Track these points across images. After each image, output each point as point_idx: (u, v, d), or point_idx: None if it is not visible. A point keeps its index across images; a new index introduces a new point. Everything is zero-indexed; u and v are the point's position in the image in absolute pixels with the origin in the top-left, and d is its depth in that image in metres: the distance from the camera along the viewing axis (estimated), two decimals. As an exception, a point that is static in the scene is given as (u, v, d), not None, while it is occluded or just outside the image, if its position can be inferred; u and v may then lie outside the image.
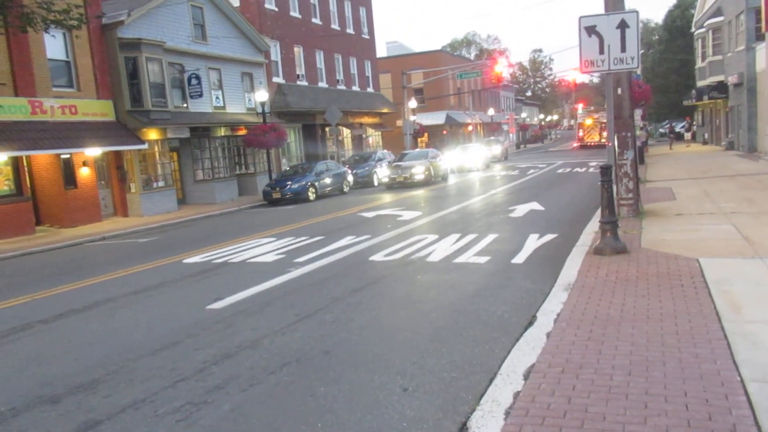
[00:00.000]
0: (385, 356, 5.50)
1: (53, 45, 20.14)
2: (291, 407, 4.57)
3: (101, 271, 11.51)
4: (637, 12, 9.00)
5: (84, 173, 21.20)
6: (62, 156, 20.15)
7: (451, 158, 35.09)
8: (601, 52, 9.21)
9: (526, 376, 4.56)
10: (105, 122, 21.91)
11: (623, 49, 9.12)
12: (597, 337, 5.24)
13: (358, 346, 5.85)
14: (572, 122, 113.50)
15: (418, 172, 25.94)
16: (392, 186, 26.39)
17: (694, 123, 48.87)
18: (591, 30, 9.18)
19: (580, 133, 53.03)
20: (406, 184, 25.89)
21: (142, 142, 22.52)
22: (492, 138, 55.12)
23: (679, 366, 4.47)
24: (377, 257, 10.32)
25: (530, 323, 5.93)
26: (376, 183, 29.39)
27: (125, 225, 20.20)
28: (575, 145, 54.28)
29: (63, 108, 20.31)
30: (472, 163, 35.07)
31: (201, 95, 25.83)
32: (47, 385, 5.49)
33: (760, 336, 4.89)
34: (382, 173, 27.76)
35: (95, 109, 21.69)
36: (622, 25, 9.07)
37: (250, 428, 4.30)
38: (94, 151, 20.93)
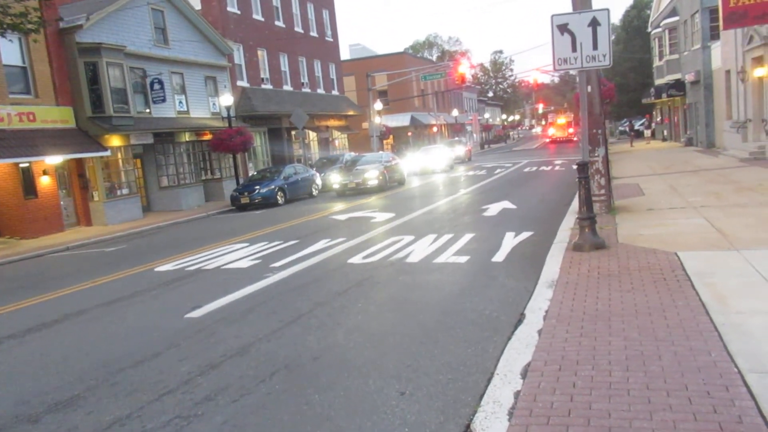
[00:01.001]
0: (376, 360, 5.40)
1: (9, 50, 19.44)
2: (286, 416, 4.43)
3: (68, 282, 11.12)
4: (608, 10, 9.08)
5: (44, 182, 20.53)
6: (21, 165, 19.46)
7: (414, 160, 34.80)
8: (574, 49, 9.26)
9: (523, 375, 4.52)
10: (65, 129, 21.26)
11: (595, 46, 9.19)
12: (589, 333, 5.23)
13: (347, 351, 5.73)
14: (533, 122, 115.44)
15: (372, 177, 24.33)
16: (344, 193, 24.73)
17: (654, 121, 50.05)
18: (563, 28, 9.22)
19: (552, 130, 57.99)
20: (359, 191, 24.38)
21: (105, 148, 21.93)
22: (455, 139, 54.35)
23: (675, 359, 4.48)
24: (356, 260, 10.21)
25: (520, 321, 5.90)
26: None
27: (89, 234, 19.62)
28: (548, 140, 58.29)
29: (20, 115, 19.62)
30: (435, 164, 34.46)
31: (164, 100, 25.29)
32: (24, 403, 5.23)
33: (750, 326, 4.95)
34: (333, 179, 25.54)
35: (54, 115, 21.03)
36: (594, 23, 9.13)
37: (246, 440, 4.15)
38: (54, 159, 20.28)
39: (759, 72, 21.10)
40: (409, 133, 57.12)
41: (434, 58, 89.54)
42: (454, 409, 4.30)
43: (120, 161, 23.61)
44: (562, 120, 61.46)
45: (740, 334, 4.80)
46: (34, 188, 20.16)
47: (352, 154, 34.81)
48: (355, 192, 24.46)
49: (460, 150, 45.02)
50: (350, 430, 4.12)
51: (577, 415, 3.79)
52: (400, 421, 4.17)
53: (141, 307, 8.49)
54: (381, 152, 31.35)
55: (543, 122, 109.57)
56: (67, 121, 21.47)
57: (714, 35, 28.43)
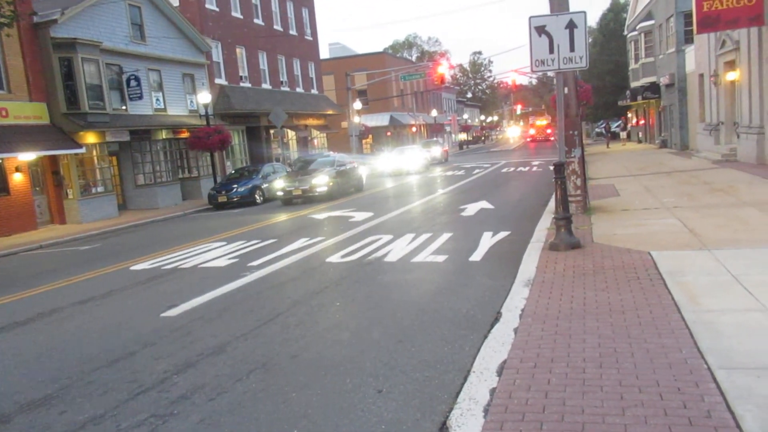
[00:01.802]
0: (354, 358, 5.41)
1: (-20, 44, 19.09)
2: (263, 415, 4.43)
3: (41, 281, 10.95)
4: (584, 12, 9.20)
5: (17, 179, 20.18)
6: (-7, 161, 19.13)
7: (387, 162, 34.30)
8: (551, 51, 9.36)
9: (499, 373, 4.57)
10: (39, 125, 20.91)
11: (572, 48, 9.30)
12: (564, 331, 5.30)
13: (325, 350, 5.74)
14: (510, 122, 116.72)
15: (321, 183, 21.44)
16: (289, 200, 21.80)
17: (630, 122, 50.74)
18: (541, 30, 9.32)
19: (532, 131, 65.75)
20: (307, 198, 21.64)
21: (80, 146, 21.61)
22: (432, 139, 53.46)
23: (647, 356, 4.57)
24: (334, 258, 10.21)
25: (496, 319, 5.96)
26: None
27: (63, 232, 19.32)
28: (529, 139, 72.00)
29: (-8, 111, 19.25)
30: (409, 166, 33.57)
31: (141, 97, 25.01)
32: (-5, 403, 5.15)
33: (720, 325, 5.05)
34: (277, 185, 22.52)
35: (28, 111, 20.67)
36: (571, 26, 9.24)
37: (222, 439, 4.14)
38: (27, 156, 19.95)
39: (731, 76, 21.51)
40: (389, 133, 57.18)
41: (414, 59, 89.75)
42: (431, 406, 4.33)
43: (95, 159, 23.30)
44: (541, 122, 71.16)
45: (710, 332, 4.91)
46: (6, 185, 19.81)
47: (332, 153, 34.75)
48: (304, 200, 21.86)
49: (437, 151, 44.41)
50: (327, 428, 4.13)
51: (551, 412, 3.84)
52: (377, 419, 4.19)
53: (116, 306, 8.39)
54: (335, 154, 27.08)
55: (521, 123, 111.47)
56: (40, 118, 21.13)
57: (688, 39, 28.93)
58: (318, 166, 23.37)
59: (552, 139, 53.92)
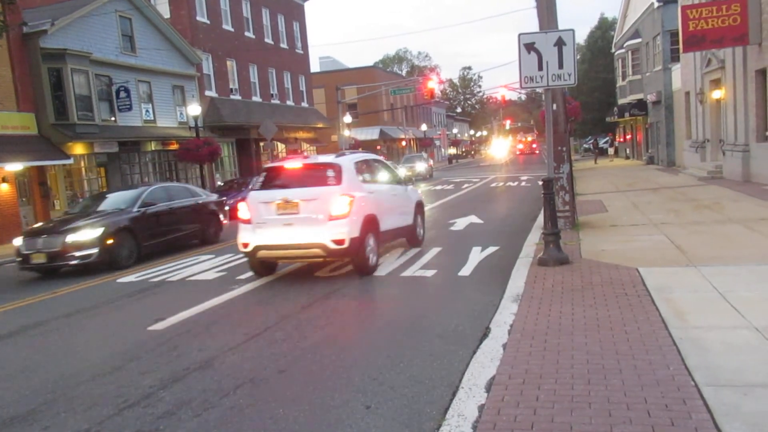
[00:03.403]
0: (343, 374, 5.39)
1: (-31, 54, 18.99)
2: (251, 431, 4.38)
3: (26, 293, 10.82)
4: (573, 30, 9.32)
5: (3, 189, 19.99)
6: (-21, 171, 18.96)
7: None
8: (540, 68, 9.45)
9: (488, 389, 4.56)
10: (26, 136, 20.77)
11: (561, 65, 9.39)
12: (552, 347, 5.31)
13: (313, 365, 5.71)
14: (500, 137, 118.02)
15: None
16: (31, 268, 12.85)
17: (617, 139, 51.23)
18: (530, 47, 9.41)
19: (521, 146, 71.09)
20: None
21: (67, 156, 21.48)
22: (415, 154, 49.12)
23: (635, 373, 4.58)
24: (322, 273, 10.18)
25: (485, 335, 5.96)
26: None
27: (49, 244, 19.09)
28: (518, 152, 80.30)
29: (-20, 121, 19.12)
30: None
31: (130, 108, 24.94)
32: (-23, 418, 5.06)
33: (707, 341, 5.08)
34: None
35: (15, 122, 20.53)
36: (560, 43, 9.34)
37: (208, 455, 4.09)
38: (14, 166, 19.77)
39: (716, 94, 21.82)
40: (378, 147, 57.35)
41: (404, 73, 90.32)
42: (419, 422, 4.31)
43: (83, 169, 23.17)
44: (528, 138, 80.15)
45: (698, 349, 4.93)
46: (-8, 196, 19.62)
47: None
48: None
49: (421, 166, 42.17)
50: (315, 445, 4.10)
51: (540, 428, 3.84)
52: (365, 435, 4.17)
53: (102, 319, 8.31)
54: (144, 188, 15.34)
55: (510, 138, 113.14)
56: (28, 128, 20.99)
57: (675, 57, 29.34)
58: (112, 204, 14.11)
59: (537, 152, 55.96)
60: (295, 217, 9.38)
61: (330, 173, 9.81)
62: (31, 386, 5.73)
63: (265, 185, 10.13)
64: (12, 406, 5.25)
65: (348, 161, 10.25)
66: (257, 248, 9.57)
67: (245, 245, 9.68)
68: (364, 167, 10.80)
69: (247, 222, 9.72)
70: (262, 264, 10.10)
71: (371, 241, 9.78)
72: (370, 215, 9.81)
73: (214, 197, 17.09)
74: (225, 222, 16.66)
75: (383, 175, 11.61)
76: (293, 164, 10.34)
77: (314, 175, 9.95)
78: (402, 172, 37.36)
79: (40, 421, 4.87)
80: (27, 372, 6.21)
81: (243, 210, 9.87)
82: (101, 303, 9.37)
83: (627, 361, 4.81)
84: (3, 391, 5.68)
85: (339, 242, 9.15)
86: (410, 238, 12.02)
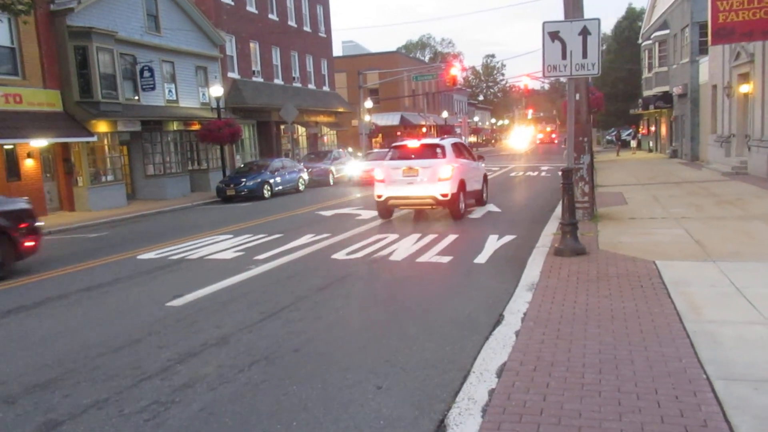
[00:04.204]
0: (356, 354, 5.46)
1: (-3, 30, 19.26)
2: (264, 406, 4.48)
3: (49, 267, 11.05)
4: (598, 20, 9.21)
5: (28, 165, 20.34)
6: (5, 146, 19.27)
7: (355, 169, 28.82)
8: (564, 57, 9.37)
9: (499, 374, 4.60)
10: (52, 113, 21.07)
11: (585, 55, 9.31)
12: (565, 336, 5.33)
13: (327, 345, 5.79)
14: (522, 126, 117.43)
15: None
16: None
17: (640, 131, 50.57)
18: (554, 35, 9.33)
19: (541, 135, 72.56)
20: None
21: (91, 134, 21.77)
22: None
23: (647, 364, 4.59)
24: (339, 255, 10.26)
25: (498, 322, 5.99)
26: (331, 182, 29.12)
27: (72, 219, 19.47)
28: (538, 141, 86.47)
29: (7, 96, 19.40)
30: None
31: (153, 88, 25.14)
32: (1, 384, 5.22)
33: (721, 336, 5.07)
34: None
35: (41, 98, 20.83)
36: (584, 32, 9.25)
37: (222, 427, 4.19)
38: (39, 142, 20.10)
39: (744, 88, 21.42)
40: (398, 133, 57.21)
41: (426, 59, 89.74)
42: (429, 404, 4.37)
43: (106, 147, 23.43)
44: (548, 129, 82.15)
45: (711, 343, 4.93)
46: (17, 170, 19.97)
47: (341, 150, 34.76)
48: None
49: None
50: (327, 422, 4.18)
51: (548, 414, 3.87)
52: (376, 414, 4.24)
53: (122, 294, 8.48)
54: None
55: (532, 127, 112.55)
56: (54, 105, 21.28)
57: (703, 50, 28.83)
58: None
59: (555, 141, 57.33)
60: (415, 179, 13.80)
61: (438, 150, 14.36)
62: (52, 356, 5.89)
63: (394, 157, 14.65)
64: (34, 374, 5.41)
65: (448, 142, 14.66)
66: (388, 198, 14.09)
67: (380, 196, 14.22)
68: (457, 147, 14.96)
69: (382, 181, 14.17)
70: (388, 210, 14.61)
71: (461, 197, 14.16)
72: (461, 179, 14.17)
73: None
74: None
75: (466, 154, 15.75)
76: (413, 143, 14.97)
77: (428, 151, 14.46)
78: None
79: (61, 389, 5.01)
80: (49, 342, 6.38)
81: (379, 173, 14.34)
82: (122, 278, 9.55)
83: (639, 353, 4.82)
84: (25, 359, 5.84)
85: (444, 195, 13.54)
86: (478, 199, 16.08)
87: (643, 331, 5.32)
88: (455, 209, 13.81)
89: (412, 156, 14.28)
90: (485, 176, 16.80)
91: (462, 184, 14.12)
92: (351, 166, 30.05)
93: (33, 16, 19.65)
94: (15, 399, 4.87)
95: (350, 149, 40.08)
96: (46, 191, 21.32)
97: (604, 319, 5.73)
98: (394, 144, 16.41)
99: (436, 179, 13.55)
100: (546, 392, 4.21)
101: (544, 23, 9.34)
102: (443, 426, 3.95)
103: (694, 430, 3.56)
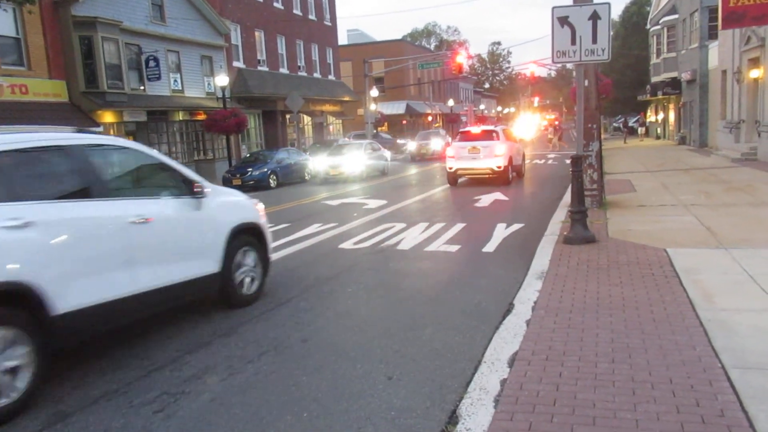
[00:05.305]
0: (365, 345, 5.43)
1: (3, 21, 19.16)
2: (274, 396, 4.45)
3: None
4: (609, 4, 9.06)
5: (35, 156, 20.35)
6: (12, 137, 19.29)
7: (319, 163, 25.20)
8: (573, 42, 9.25)
9: (510, 364, 4.56)
10: (57, 103, 21.07)
11: (594, 40, 9.18)
12: (576, 325, 5.28)
13: (336, 335, 5.76)
14: (527, 114, 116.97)
15: None
16: None
17: (648, 118, 50.19)
18: (563, 20, 9.20)
19: (545, 122, 73.18)
20: None
21: (97, 124, 21.74)
22: (432, 131, 43.51)
23: (660, 353, 4.53)
24: (346, 245, 10.22)
25: (508, 311, 5.94)
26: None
27: (79, 210, 19.47)
28: (543, 129, 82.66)
29: (12, 87, 19.41)
30: (349, 169, 24.06)
31: (159, 78, 25.09)
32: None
33: (734, 324, 5.00)
34: None
35: (47, 89, 20.82)
36: (594, 17, 9.11)
37: (232, 418, 4.17)
38: (45, 133, 20.10)
39: (754, 73, 21.17)
40: (404, 122, 57.00)
41: (432, 47, 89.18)
42: (441, 395, 4.33)
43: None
44: (551, 116, 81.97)
45: (725, 331, 4.86)
46: (24, 162, 19.99)
47: (346, 139, 34.64)
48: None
49: (438, 144, 36.03)
50: (337, 412, 4.15)
51: (562, 405, 3.83)
52: (387, 405, 4.20)
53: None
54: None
55: (538, 115, 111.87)
56: (59, 95, 21.27)
57: (712, 35, 28.48)
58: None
59: (561, 128, 58.88)
60: (478, 155, 18.57)
61: (494, 134, 19.10)
62: (61, 347, 5.86)
63: (461, 139, 19.62)
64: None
65: (500, 129, 20.08)
66: (457, 169, 18.98)
67: (450, 168, 19.11)
68: (505, 132, 20.17)
69: (452, 157, 19.07)
70: (455, 178, 19.40)
71: (510, 169, 18.87)
72: (510, 156, 18.92)
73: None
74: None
75: (512, 137, 21.14)
76: (475, 130, 20.19)
77: (486, 134, 19.24)
78: (413, 146, 37.05)
79: (70, 380, 4.99)
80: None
81: (450, 151, 19.53)
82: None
83: (652, 341, 4.76)
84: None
85: (498, 167, 18.29)
86: (518, 172, 20.61)
87: (655, 319, 5.26)
88: (505, 177, 18.40)
89: (475, 138, 18.91)
90: (523, 155, 21.87)
91: (510, 160, 18.77)
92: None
93: (38, 5, 19.58)
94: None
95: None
96: (53, 182, 21.34)
97: (615, 307, 5.67)
98: (461, 130, 21.43)
99: (493, 155, 18.28)
100: (559, 382, 4.16)
101: (553, 8, 9.21)
102: (455, 416, 3.91)
103: (710, 420, 3.51)
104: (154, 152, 6.34)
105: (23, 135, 5.06)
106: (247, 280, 6.85)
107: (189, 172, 6.37)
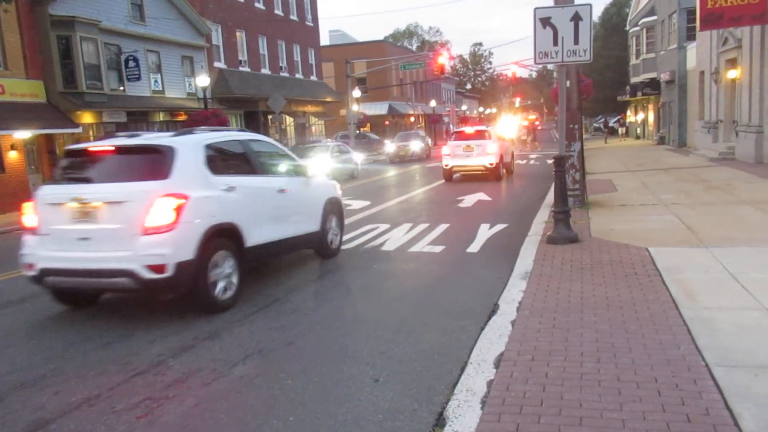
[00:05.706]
0: (351, 347, 5.40)
1: (-22, 20, 18.87)
2: (259, 401, 4.41)
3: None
4: (590, 5, 9.12)
5: (12, 157, 20.03)
6: (-12, 139, 18.97)
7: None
8: (555, 43, 9.29)
9: (496, 365, 4.55)
10: (35, 103, 20.73)
11: (576, 41, 9.23)
12: (561, 325, 5.29)
13: (321, 337, 5.72)
14: (509, 115, 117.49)
15: None
16: None
17: (628, 118, 50.72)
18: (545, 21, 9.24)
19: (525, 123, 73.17)
20: None
21: (76, 125, 21.45)
22: (411, 132, 42.65)
23: (645, 352, 4.56)
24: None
25: (493, 312, 5.94)
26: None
27: (58, 213, 19.18)
28: (523, 129, 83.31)
29: (-12, 88, 19.08)
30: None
31: (139, 78, 24.80)
32: None
33: (717, 322, 5.05)
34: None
35: (24, 89, 20.47)
36: (576, 18, 9.16)
37: (217, 424, 4.11)
38: (23, 134, 19.79)
39: (732, 74, 21.48)
40: (387, 123, 57.00)
41: (414, 48, 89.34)
42: (428, 396, 4.31)
43: (92, 139, 23.10)
44: (531, 117, 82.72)
45: (709, 330, 4.90)
46: (1, 163, 19.66)
47: (329, 140, 34.53)
48: None
49: (417, 146, 36.17)
50: (324, 416, 4.11)
51: (549, 405, 3.83)
52: (374, 408, 4.18)
53: (111, 288, 8.32)
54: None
55: (519, 116, 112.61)
56: (37, 96, 20.94)
57: (690, 36, 28.86)
58: None
59: (540, 129, 61.51)
60: (472, 153, 19.96)
61: (486, 134, 20.81)
62: (40, 353, 5.76)
63: (455, 138, 21.16)
64: (23, 371, 5.29)
65: (491, 129, 22.25)
66: (453, 166, 20.36)
67: (446, 165, 20.44)
68: (495, 132, 22.04)
69: (448, 155, 20.42)
70: (451, 175, 20.63)
71: (501, 165, 20.26)
72: (501, 154, 20.35)
73: None
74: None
75: (503, 136, 23.49)
76: (468, 129, 21.83)
77: (478, 135, 20.71)
78: (391, 148, 36.68)
79: (51, 386, 4.91)
80: (34, 339, 6.25)
81: (446, 149, 20.79)
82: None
83: (637, 341, 4.79)
84: (13, 357, 5.72)
85: (491, 164, 19.65)
86: (508, 169, 21.97)
87: (639, 318, 5.30)
88: (497, 174, 19.86)
89: (469, 138, 20.47)
90: (512, 153, 23.50)
91: (501, 158, 20.22)
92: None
93: (14, 4, 19.28)
94: (2, 397, 4.75)
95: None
96: (31, 183, 20.97)
97: (599, 307, 5.70)
98: (455, 130, 23.61)
99: (485, 153, 19.70)
100: (545, 382, 4.17)
101: (535, 9, 9.25)
102: (443, 418, 3.90)
103: (696, 418, 3.53)
104: (279, 144, 9.12)
105: (218, 133, 7.54)
106: (336, 239, 9.48)
107: (300, 160, 9.04)
